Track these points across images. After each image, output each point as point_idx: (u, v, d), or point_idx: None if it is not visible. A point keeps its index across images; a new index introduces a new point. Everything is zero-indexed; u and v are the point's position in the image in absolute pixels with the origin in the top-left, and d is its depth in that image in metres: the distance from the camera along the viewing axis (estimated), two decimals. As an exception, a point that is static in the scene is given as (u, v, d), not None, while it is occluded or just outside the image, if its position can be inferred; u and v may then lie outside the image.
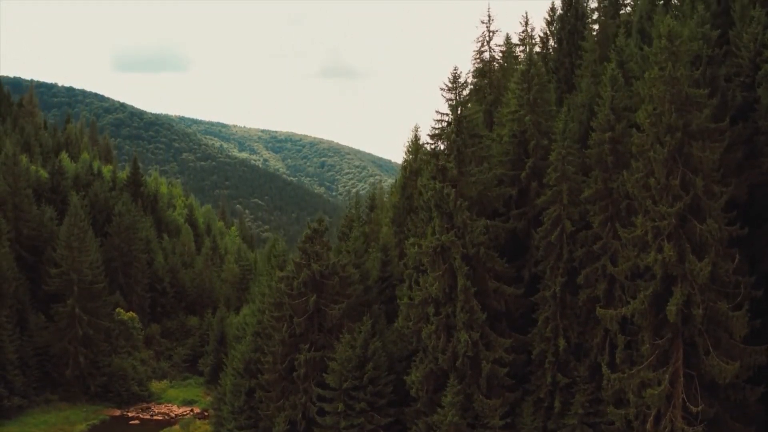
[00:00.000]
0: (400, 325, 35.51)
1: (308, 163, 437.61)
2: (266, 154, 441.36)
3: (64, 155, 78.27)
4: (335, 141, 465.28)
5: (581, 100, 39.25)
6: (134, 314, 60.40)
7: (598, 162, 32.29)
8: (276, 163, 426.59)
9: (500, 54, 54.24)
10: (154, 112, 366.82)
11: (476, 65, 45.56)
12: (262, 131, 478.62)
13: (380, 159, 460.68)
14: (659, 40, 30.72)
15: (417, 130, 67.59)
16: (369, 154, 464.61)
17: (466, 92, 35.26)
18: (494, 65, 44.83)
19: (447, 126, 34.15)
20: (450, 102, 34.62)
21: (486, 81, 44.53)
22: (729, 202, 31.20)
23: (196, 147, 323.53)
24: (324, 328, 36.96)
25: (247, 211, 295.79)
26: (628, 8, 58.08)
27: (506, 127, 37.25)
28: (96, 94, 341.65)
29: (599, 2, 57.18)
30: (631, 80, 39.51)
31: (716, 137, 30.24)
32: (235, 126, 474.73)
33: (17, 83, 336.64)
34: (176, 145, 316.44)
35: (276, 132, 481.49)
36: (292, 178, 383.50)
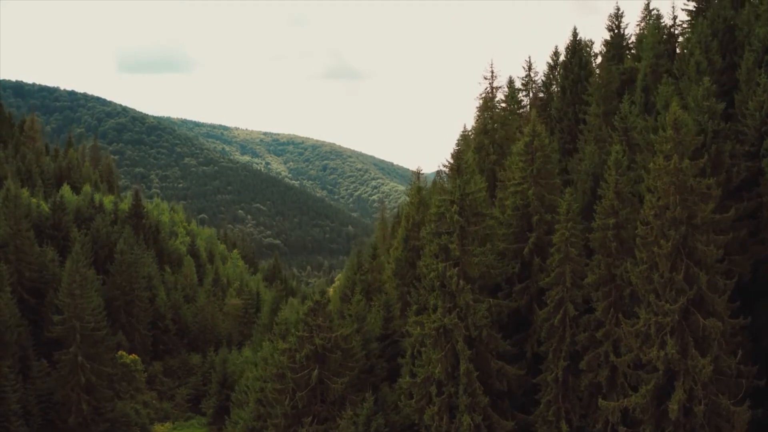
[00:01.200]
0: (402, 404, 35.47)
1: (310, 167, 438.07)
2: (268, 157, 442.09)
3: (65, 188, 78.21)
4: (337, 144, 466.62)
5: (585, 168, 39.14)
6: (136, 357, 60.47)
7: (601, 246, 32.17)
8: (278, 167, 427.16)
9: (503, 99, 54.28)
10: (156, 115, 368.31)
11: (479, 122, 45.38)
12: (264, 134, 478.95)
13: (382, 162, 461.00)
14: (664, 130, 30.55)
15: (419, 174, 67.75)
16: (371, 157, 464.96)
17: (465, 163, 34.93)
18: (496, 126, 44.54)
19: (450, 205, 33.99)
20: (453, 179, 34.46)
21: (488, 140, 44.32)
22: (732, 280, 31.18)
23: (198, 152, 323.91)
24: (327, 401, 36.93)
25: (249, 217, 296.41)
26: (633, 50, 58.02)
27: (509, 199, 37.13)
28: (98, 98, 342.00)
29: (603, 47, 57.11)
30: (635, 147, 39.53)
31: (721, 229, 30.14)
32: (237, 129, 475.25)
33: (19, 87, 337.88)
34: (178, 149, 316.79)
35: (278, 135, 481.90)
36: (294, 181, 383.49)
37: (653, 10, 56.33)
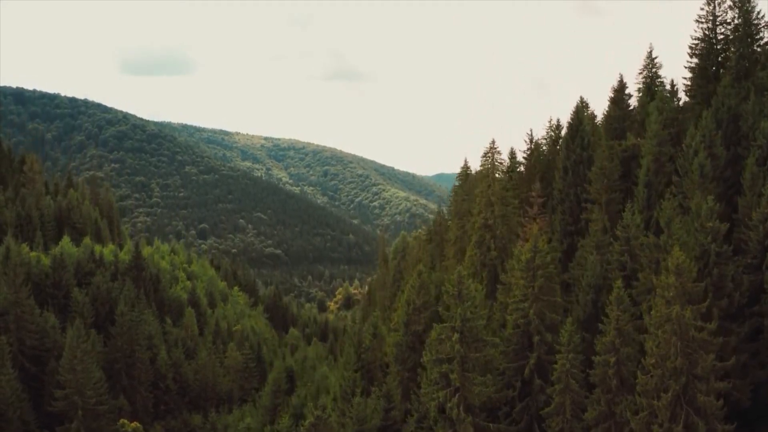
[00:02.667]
0: None
1: (311, 172, 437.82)
2: (269, 162, 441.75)
3: (65, 240, 78.17)
4: (338, 148, 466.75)
5: (588, 281, 38.96)
6: (138, 424, 60.61)
7: (602, 382, 32.12)
8: (279, 173, 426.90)
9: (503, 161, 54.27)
10: (157, 120, 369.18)
11: (481, 216, 45.23)
12: (265, 138, 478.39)
13: (383, 167, 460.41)
14: (667, 275, 30.39)
15: (420, 250, 67.25)
16: (372, 162, 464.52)
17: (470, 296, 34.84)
18: (497, 221, 44.38)
19: (451, 332, 33.93)
20: (454, 306, 34.40)
21: (489, 235, 44.21)
22: (731, 405, 31.20)
23: (198, 159, 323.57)
24: None
25: (250, 226, 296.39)
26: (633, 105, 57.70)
27: (510, 316, 37.06)
28: (98, 105, 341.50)
29: (605, 121, 56.86)
30: (637, 257, 39.36)
31: (722, 375, 30.09)
32: (237, 133, 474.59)
33: (19, 94, 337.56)
34: (179, 158, 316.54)
35: (279, 139, 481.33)
36: (295, 188, 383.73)
37: (656, 57, 56.33)
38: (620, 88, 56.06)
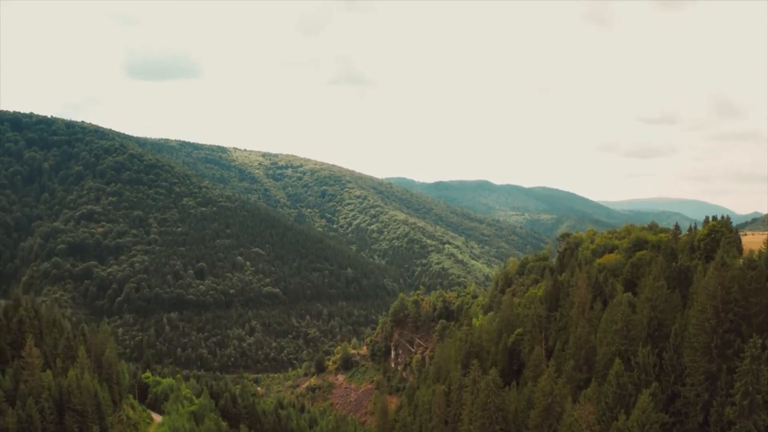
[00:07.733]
0: None
1: (309, 192, 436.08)
2: (267, 182, 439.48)
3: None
4: (336, 165, 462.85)
5: None
6: None
7: None
8: (277, 193, 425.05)
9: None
10: (155, 137, 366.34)
11: None
12: (263, 155, 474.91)
13: (381, 184, 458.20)
14: None
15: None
16: (369, 178, 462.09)
17: None
18: None
19: None
20: None
21: None
22: None
23: (196, 190, 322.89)
24: None
25: (248, 263, 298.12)
26: None
27: None
28: (96, 130, 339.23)
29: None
30: None
31: None
32: (235, 150, 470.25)
33: (16, 120, 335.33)
34: (177, 189, 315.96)
35: (277, 156, 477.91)
36: (292, 210, 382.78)
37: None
38: None
